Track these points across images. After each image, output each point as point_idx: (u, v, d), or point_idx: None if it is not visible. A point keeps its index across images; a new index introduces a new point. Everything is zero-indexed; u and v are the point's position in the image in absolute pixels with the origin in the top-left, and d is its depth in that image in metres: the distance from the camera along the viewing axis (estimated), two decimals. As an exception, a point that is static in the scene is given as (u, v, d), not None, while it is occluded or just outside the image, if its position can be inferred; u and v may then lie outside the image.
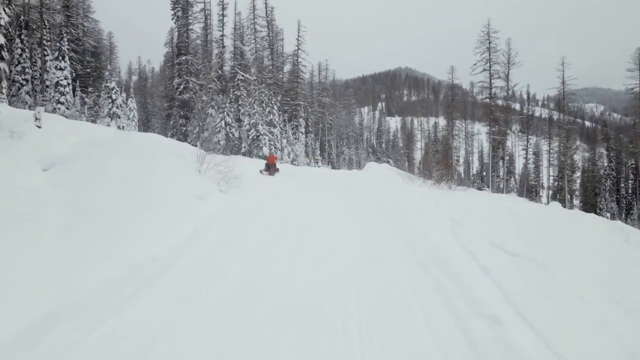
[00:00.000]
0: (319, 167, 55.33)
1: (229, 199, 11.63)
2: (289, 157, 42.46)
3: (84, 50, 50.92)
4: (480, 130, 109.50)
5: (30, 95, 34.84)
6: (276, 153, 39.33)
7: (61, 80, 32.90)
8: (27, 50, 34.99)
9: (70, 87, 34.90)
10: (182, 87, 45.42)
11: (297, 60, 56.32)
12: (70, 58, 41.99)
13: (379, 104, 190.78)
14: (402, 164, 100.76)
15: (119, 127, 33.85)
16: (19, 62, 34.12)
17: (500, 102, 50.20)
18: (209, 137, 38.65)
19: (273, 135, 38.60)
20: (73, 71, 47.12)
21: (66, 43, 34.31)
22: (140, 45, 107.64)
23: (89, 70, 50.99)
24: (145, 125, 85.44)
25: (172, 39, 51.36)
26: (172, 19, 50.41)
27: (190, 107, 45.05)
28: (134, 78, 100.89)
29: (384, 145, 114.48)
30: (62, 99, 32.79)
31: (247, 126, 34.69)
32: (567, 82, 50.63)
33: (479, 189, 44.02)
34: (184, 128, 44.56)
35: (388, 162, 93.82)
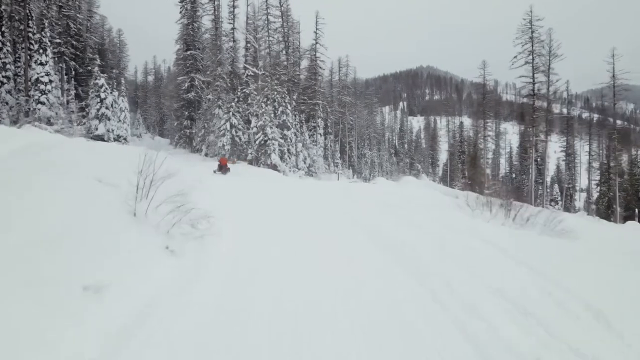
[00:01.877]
0: (339, 173, 49.69)
1: (170, 279, 6.12)
2: (304, 162, 37.03)
3: (84, 47, 46.49)
4: (507, 130, 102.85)
5: (11, 95, 30.18)
6: (290, 158, 33.96)
7: (42, 76, 28.08)
8: (8, 44, 30.31)
9: (55, 84, 30.13)
10: (187, 84, 40.44)
11: (315, 55, 50.74)
12: (62, 54, 37.42)
13: (401, 103, 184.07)
14: (426, 166, 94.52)
15: (108, 131, 28.91)
16: (-1, 57, 29.47)
17: (536, 100, 43.73)
18: (214, 141, 33.57)
19: (286, 140, 33.17)
20: (72, 69, 42.75)
21: (48, 34, 29.47)
22: (156, 45, 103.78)
23: (90, 68, 46.54)
24: (160, 127, 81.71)
25: (182, 34, 46.45)
26: (180, 11, 45.66)
27: (195, 107, 40.05)
28: (150, 78, 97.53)
29: (406, 146, 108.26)
30: (42, 99, 27.97)
31: (255, 129, 29.29)
32: (617, 76, 44.12)
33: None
34: (189, 130, 39.57)
35: (413, 164, 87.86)
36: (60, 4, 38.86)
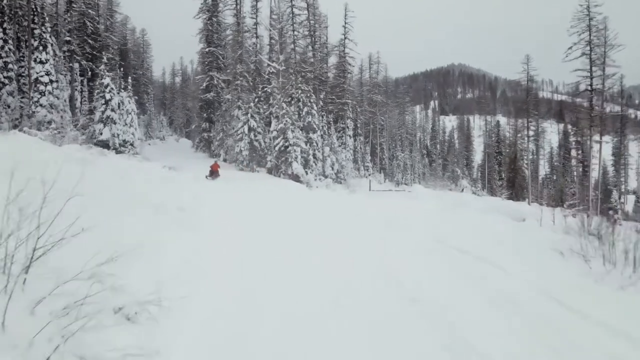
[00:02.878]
0: (370, 178, 45.46)
1: None
2: (332, 168, 33.03)
3: (102, 46, 43.88)
4: (546, 129, 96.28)
5: (14, 97, 27.41)
6: (316, 164, 30.04)
7: (41, 76, 25.07)
8: (10, 41, 27.55)
9: (60, 84, 27.18)
10: (205, 84, 37.09)
11: (343, 51, 46.70)
12: (73, 52, 34.54)
13: (432, 103, 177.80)
14: (461, 167, 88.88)
15: (113, 136, 25.63)
16: (0, 57, 26.69)
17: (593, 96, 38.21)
18: (232, 146, 30.06)
19: (311, 144, 29.28)
20: (88, 70, 40.17)
21: (49, 30, 26.44)
22: (185, 46, 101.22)
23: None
24: (187, 129, 79.39)
25: (202, 31, 43.24)
26: (200, 6, 42.50)
27: (214, 108, 36.64)
28: (177, 79, 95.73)
29: (438, 146, 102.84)
30: (42, 100, 24.94)
31: (274, 132, 25.39)
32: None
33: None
34: (207, 133, 36.20)
35: (447, 166, 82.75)
36: (71, -1, 35.87)
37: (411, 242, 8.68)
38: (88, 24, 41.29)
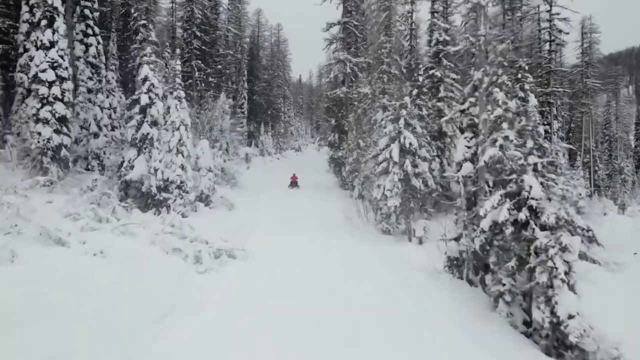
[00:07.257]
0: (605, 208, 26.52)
1: None
2: (565, 208, 16.40)
3: (214, 40, 33.40)
4: None
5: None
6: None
7: (42, 71, 13.79)
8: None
9: (71, 84, 16.00)
10: (333, 74, 23.29)
11: (549, 11, 28.34)
12: (145, 42, 23.49)
13: (624, 90, 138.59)
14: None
15: (150, 172, 13.13)
16: (27, 48, 16.46)
17: None
18: (369, 178, 15.54)
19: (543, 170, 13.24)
20: (195, 69, 29.93)
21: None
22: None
23: (220, 67, 33.21)
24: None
25: None
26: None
27: (346, 110, 22.54)
28: (324, 81, 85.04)
29: (646, 146, 73.12)
30: (43, 112, 13.56)
31: (462, 162, 9.43)
32: None
33: None
34: (335, 152, 22.47)
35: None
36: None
37: None
38: (197, 11, 30.97)
